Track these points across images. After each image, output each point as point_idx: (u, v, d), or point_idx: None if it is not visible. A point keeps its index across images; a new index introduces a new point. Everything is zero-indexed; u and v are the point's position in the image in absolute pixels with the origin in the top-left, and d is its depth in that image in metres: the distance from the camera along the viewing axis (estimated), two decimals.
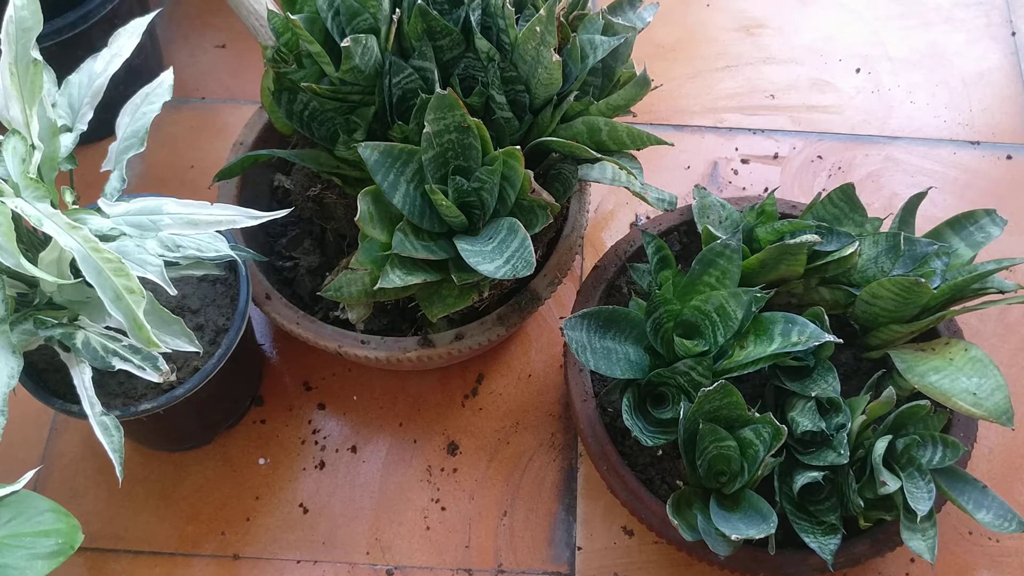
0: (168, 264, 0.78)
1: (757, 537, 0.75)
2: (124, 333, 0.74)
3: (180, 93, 1.27)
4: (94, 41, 1.05)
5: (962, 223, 0.88)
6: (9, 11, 0.73)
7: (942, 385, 0.79)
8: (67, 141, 0.80)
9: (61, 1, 1.07)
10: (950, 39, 1.33)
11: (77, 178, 0.83)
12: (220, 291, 0.93)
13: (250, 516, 1.00)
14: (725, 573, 0.89)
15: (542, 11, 0.74)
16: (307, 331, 0.92)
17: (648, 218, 1.17)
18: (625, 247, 0.97)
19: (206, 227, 0.79)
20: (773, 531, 0.75)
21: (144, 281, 0.70)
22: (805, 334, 0.77)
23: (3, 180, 0.70)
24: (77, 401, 0.78)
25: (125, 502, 1.00)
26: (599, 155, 0.79)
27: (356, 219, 0.77)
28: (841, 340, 0.80)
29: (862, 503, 0.78)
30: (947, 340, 0.84)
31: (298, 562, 0.97)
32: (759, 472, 0.77)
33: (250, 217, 0.81)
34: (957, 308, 0.84)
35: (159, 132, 1.23)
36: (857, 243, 0.81)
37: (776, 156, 1.23)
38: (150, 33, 1.26)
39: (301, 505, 1.00)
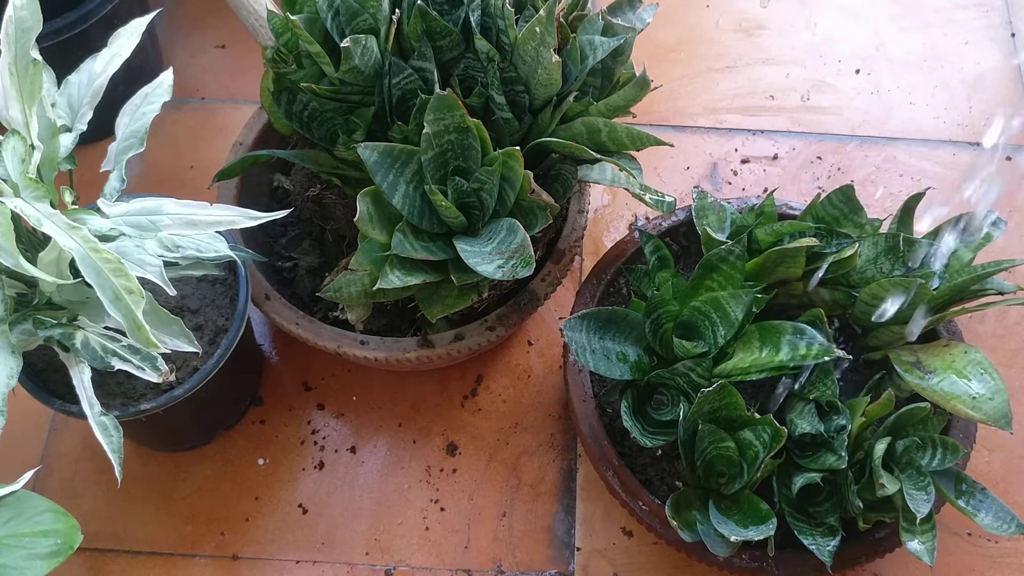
0: (167, 264, 0.78)
1: (756, 538, 0.75)
2: (123, 333, 0.74)
3: (180, 93, 1.27)
4: (94, 41, 1.05)
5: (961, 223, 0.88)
6: (9, 11, 0.72)
7: (941, 388, 0.79)
8: (67, 141, 0.80)
9: (61, 1, 1.07)
10: (949, 40, 1.33)
11: (77, 178, 0.83)
12: (219, 291, 0.93)
13: (249, 516, 1.00)
14: (724, 574, 0.89)
15: (542, 12, 0.74)
16: (306, 331, 0.92)
17: (648, 219, 1.17)
18: (624, 248, 0.97)
19: (205, 227, 0.79)
20: (772, 532, 0.75)
21: (143, 281, 0.70)
22: (813, 347, 0.77)
23: (3, 180, 0.70)
24: (76, 401, 0.78)
25: (124, 502, 1.00)
26: (598, 156, 0.79)
27: (355, 220, 0.77)
28: (851, 357, 0.80)
29: (861, 505, 0.78)
30: (947, 342, 0.84)
31: (297, 562, 0.97)
32: (758, 473, 0.77)
33: (249, 218, 0.81)
34: (956, 309, 0.84)
35: (159, 132, 1.23)
36: (857, 244, 0.81)
37: (775, 157, 1.23)
38: (150, 33, 1.26)
39: (300, 505, 1.00)
